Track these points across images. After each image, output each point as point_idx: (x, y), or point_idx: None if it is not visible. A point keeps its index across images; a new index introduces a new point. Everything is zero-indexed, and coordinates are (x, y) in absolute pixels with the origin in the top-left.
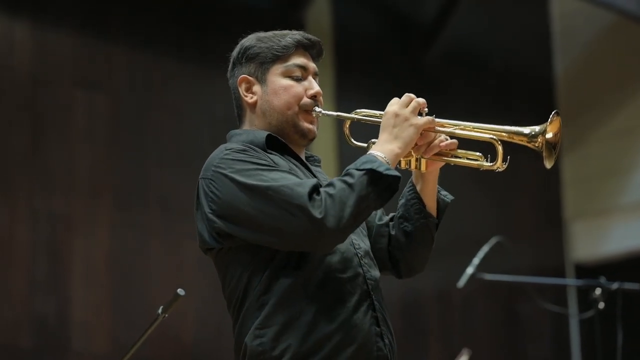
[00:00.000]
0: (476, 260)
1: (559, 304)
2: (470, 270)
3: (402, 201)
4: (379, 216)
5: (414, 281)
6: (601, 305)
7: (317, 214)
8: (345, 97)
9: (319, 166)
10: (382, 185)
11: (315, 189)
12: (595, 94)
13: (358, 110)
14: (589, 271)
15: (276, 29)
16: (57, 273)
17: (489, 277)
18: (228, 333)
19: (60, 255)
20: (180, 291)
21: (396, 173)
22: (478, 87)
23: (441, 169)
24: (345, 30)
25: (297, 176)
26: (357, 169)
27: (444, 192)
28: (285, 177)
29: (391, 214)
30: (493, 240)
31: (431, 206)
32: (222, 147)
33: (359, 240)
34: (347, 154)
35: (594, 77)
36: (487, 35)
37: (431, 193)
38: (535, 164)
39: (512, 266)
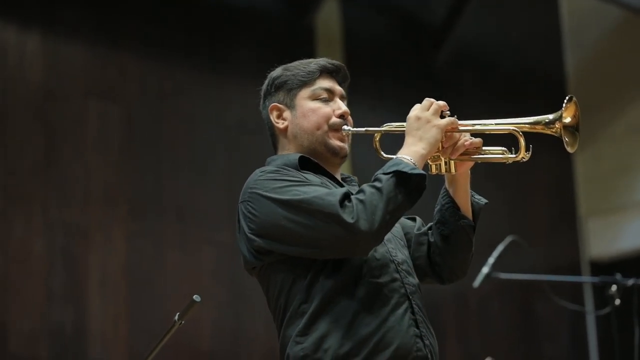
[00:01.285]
0: (491, 260)
1: (575, 302)
2: (485, 269)
3: (437, 207)
4: (418, 226)
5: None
6: (617, 301)
7: (349, 219)
8: (355, 101)
9: (356, 185)
10: (410, 185)
11: (346, 197)
12: (607, 92)
13: (386, 124)
14: (604, 268)
15: (286, 35)
16: (74, 283)
17: (504, 276)
18: (244, 340)
19: (76, 265)
20: (197, 297)
21: (421, 172)
22: (489, 87)
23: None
24: (355, 34)
25: (329, 187)
26: (384, 173)
27: (477, 196)
28: (317, 189)
29: (430, 224)
30: (508, 239)
31: (465, 209)
32: (256, 170)
33: (396, 250)
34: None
35: (605, 75)
36: (496, 35)
37: (464, 196)
38: (549, 163)
39: (527, 265)
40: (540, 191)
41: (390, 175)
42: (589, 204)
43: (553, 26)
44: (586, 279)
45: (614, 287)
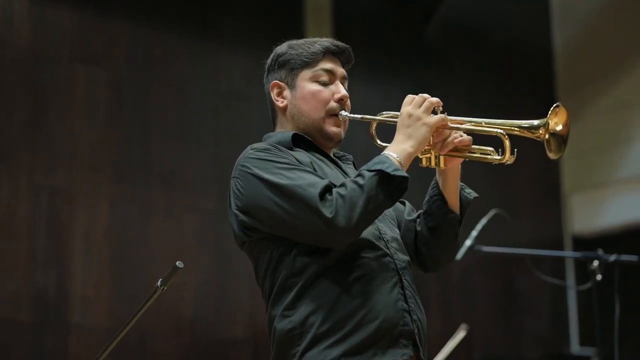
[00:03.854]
0: (474, 233)
1: (556, 276)
2: (468, 242)
3: (426, 198)
4: (408, 211)
5: None
6: (599, 277)
7: (327, 213)
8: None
9: (351, 164)
10: (392, 185)
11: (327, 190)
12: (593, 68)
13: (382, 113)
14: (586, 243)
15: (274, 7)
16: (58, 247)
17: (487, 249)
18: (227, 307)
19: (60, 229)
20: (179, 264)
21: (404, 174)
22: (477, 61)
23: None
24: (345, 6)
25: (316, 173)
26: (368, 170)
27: (467, 190)
28: (302, 176)
29: (419, 211)
30: (491, 213)
31: (453, 203)
32: (248, 147)
33: (386, 228)
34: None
35: (592, 51)
36: (486, 10)
37: (453, 190)
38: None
39: (510, 238)
40: (524, 165)
41: (374, 173)
42: (573, 180)
43: (542, 1)
44: (568, 253)
45: (595, 263)
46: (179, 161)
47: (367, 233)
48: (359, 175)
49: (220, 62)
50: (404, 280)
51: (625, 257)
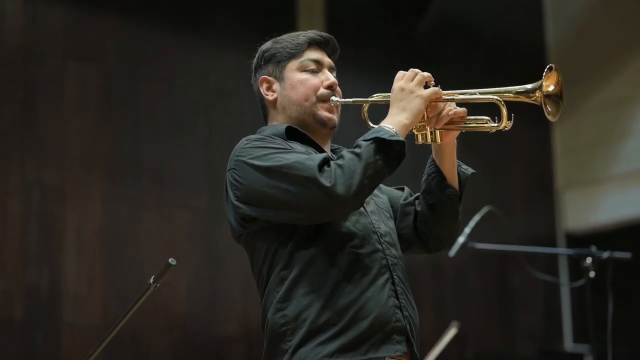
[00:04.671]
0: (467, 230)
1: (550, 273)
2: (461, 239)
3: (424, 177)
4: (405, 196)
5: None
6: (592, 274)
7: (326, 183)
8: (338, 67)
9: None
10: (390, 151)
11: (325, 162)
12: (587, 64)
13: (374, 94)
14: (580, 240)
15: (267, 1)
16: (49, 245)
17: (480, 246)
18: (219, 304)
19: (52, 226)
20: (172, 261)
21: (401, 139)
22: (470, 57)
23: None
24: (337, 3)
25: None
26: (365, 140)
27: (464, 166)
28: (298, 155)
29: (417, 194)
30: (484, 210)
31: (452, 179)
32: (243, 139)
33: (380, 222)
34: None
35: (585, 47)
36: (478, 5)
37: (450, 165)
38: (528, 134)
39: (503, 235)
40: (517, 162)
41: (370, 141)
42: (566, 176)
43: None
44: (561, 250)
45: (588, 260)
46: (170, 158)
47: (360, 227)
48: (356, 146)
49: (211, 58)
50: (395, 277)
51: (619, 254)
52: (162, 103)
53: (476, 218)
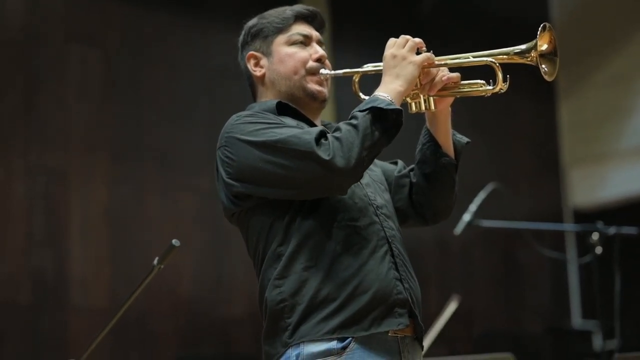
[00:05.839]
0: (473, 207)
1: (557, 250)
2: (467, 217)
3: (418, 147)
4: (399, 169)
5: (412, 229)
6: (599, 250)
7: (325, 156)
8: (341, 49)
9: None
10: (386, 121)
11: (322, 135)
12: (592, 40)
13: (365, 65)
14: (586, 216)
15: None
16: (54, 228)
17: (486, 223)
18: (224, 285)
19: (57, 210)
20: (176, 242)
21: (398, 107)
22: (473, 36)
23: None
24: None
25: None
26: (361, 110)
27: (459, 135)
28: (293, 130)
29: (411, 165)
30: (490, 187)
31: (447, 147)
32: (233, 116)
33: (375, 194)
34: (344, 111)
35: (590, 23)
36: None
37: (445, 134)
38: (533, 110)
39: (509, 212)
40: (523, 139)
41: (367, 112)
42: (573, 152)
43: None
44: (568, 227)
45: (595, 236)
46: (173, 140)
47: (357, 199)
48: (352, 117)
49: (213, 39)
50: (394, 249)
51: (626, 230)
52: (165, 85)
53: (482, 195)
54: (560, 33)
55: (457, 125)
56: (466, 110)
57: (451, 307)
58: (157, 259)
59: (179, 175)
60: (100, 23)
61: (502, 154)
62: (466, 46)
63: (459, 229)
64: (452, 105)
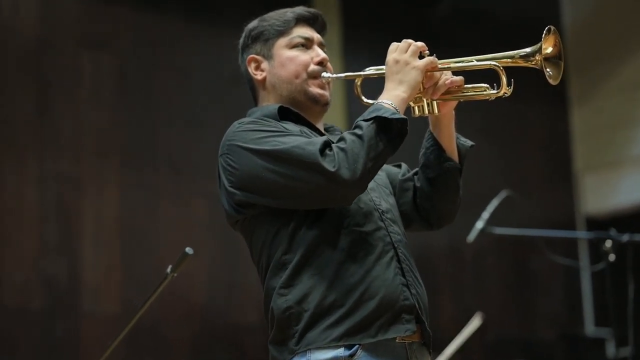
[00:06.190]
0: (486, 215)
1: (569, 257)
2: (480, 224)
3: (422, 151)
4: (403, 172)
5: (425, 237)
6: (612, 257)
7: (330, 168)
8: (352, 54)
9: (339, 135)
10: (391, 130)
11: (326, 145)
12: (604, 46)
13: (367, 68)
14: (599, 224)
15: None
16: (67, 234)
17: (499, 231)
18: (237, 292)
19: (69, 216)
20: (189, 250)
21: (402, 116)
22: (486, 43)
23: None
24: None
25: (309, 137)
26: (365, 120)
27: (463, 139)
28: (296, 139)
29: (415, 169)
30: (502, 194)
31: (451, 151)
32: (235, 122)
33: (380, 199)
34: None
35: (602, 29)
36: None
37: (449, 138)
38: (546, 117)
39: (522, 220)
40: (536, 145)
41: (371, 121)
42: (585, 159)
43: None
44: (581, 234)
45: (608, 243)
46: (186, 146)
47: (362, 204)
48: (356, 126)
49: (225, 46)
50: (400, 254)
51: (639, 237)
52: (177, 91)
53: (494, 202)
54: (573, 40)
55: (468, 135)
56: (478, 118)
57: (474, 324)
58: (170, 267)
59: (191, 182)
60: (113, 29)
61: (514, 161)
62: (478, 52)
63: (471, 236)
64: (463, 111)
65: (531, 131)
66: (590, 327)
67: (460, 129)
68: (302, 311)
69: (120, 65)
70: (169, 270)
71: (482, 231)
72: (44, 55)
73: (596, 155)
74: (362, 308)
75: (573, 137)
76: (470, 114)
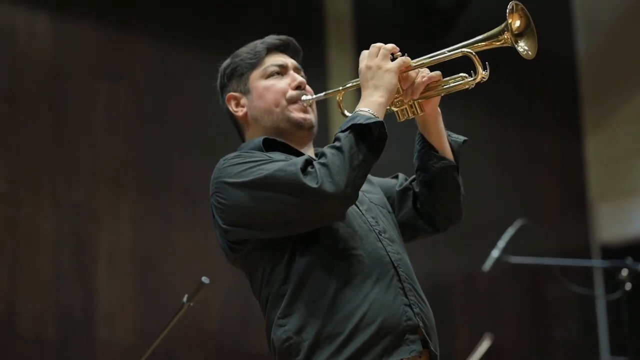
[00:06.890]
0: (501, 244)
1: (585, 286)
2: (495, 253)
3: (415, 155)
4: (400, 182)
5: (440, 265)
6: (628, 286)
7: (313, 184)
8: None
9: None
10: (370, 136)
11: (308, 164)
12: (619, 76)
13: (345, 83)
14: (615, 252)
15: (295, 16)
16: (82, 264)
17: (514, 260)
18: (253, 322)
19: (84, 246)
20: (205, 279)
21: (378, 119)
22: (500, 70)
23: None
24: (365, 15)
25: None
26: (342, 131)
27: (455, 135)
28: (278, 163)
29: (413, 176)
30: (518, 223)
31: (443, 149)
32: (220, 160)
33: (377, 219)
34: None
35: (617, 58)
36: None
37: (438, 136)
38: (560, 145)
39: (537, 249)
40: (550, 174)
41: (348, 131)
42: (600, 188)
43: (565, 9)
44: (596, 263)
45: (624, 272)
46: (201, 175)
47: (357, 227)
48: (335, 139)
49: None
50: (400, 273)
51: None
52: (192, 120)
53: (510, 231)
54: (587, 69)
55: (482, 164)
56: (493, 148)
57: (484, 346)
58: (186, 296)
59: (206, 211)
60: (127, 59)
61: (529, 190)
62: (491, 81)
63: (487, 265)
64: (479, 142)
65: (546, 160)
66: (605, 356)
67: (475, 159)
68: (301, 341)
69: (135, 95)
70: (185, 299)
71: (498, 260)
72: (60, 85)
73: (611, 184)
74: (361, 334)
75: (587, 165)
76: (485, 144)
